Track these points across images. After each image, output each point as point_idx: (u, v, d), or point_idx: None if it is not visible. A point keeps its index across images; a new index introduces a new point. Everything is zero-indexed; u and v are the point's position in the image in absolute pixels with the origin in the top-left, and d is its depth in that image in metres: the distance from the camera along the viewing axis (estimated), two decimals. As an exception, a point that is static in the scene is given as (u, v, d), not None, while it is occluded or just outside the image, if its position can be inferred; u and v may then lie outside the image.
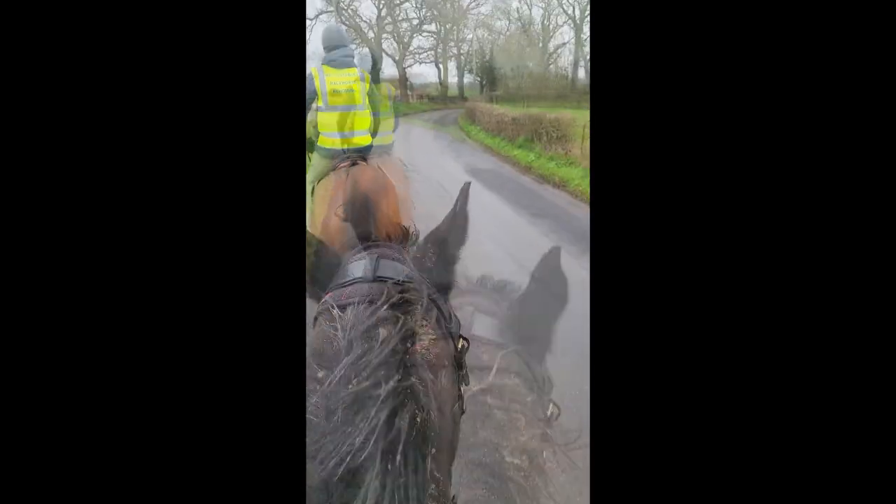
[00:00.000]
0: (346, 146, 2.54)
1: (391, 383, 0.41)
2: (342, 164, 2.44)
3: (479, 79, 47.10)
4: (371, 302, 0.49)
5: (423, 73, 40.88)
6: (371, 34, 30.85)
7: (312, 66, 2.53)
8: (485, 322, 0.56)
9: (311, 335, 0.52)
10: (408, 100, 35.33)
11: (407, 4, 33.51)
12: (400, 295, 0.50)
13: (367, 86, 2.66)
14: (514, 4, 37.05)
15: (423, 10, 33.88)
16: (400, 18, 33.30)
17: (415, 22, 34.38)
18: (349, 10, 30.45)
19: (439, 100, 39.60)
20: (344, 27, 3.12)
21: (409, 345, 0.46)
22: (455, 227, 0.59)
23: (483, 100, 21.01)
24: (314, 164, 2.64)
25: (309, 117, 2.76)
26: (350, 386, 0.41)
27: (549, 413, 0.60)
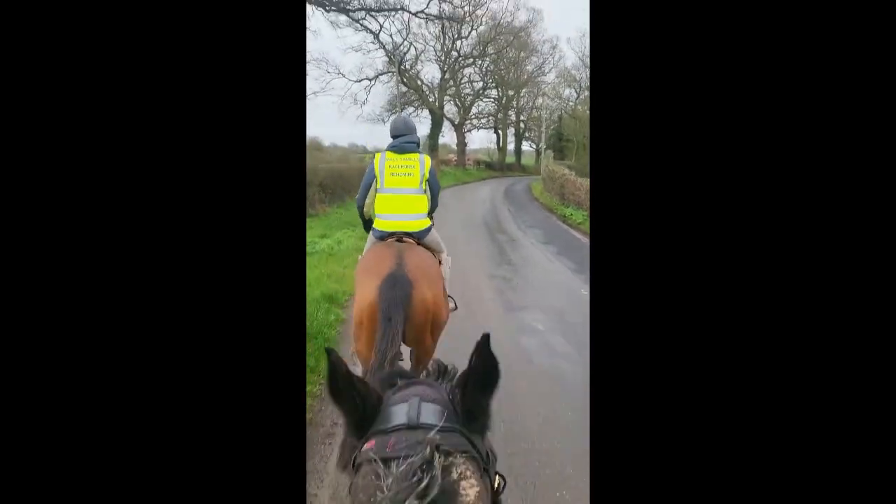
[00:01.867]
0: (398, 229, 2.49)
1: None
2: (390, 238, 2.45)
3: (539, 146, 45.37)
4: (416, 455, 0.49)
5: (481, 138, 39.20)
6: (432, 97, 29.11)
7: (377, 152, 2.60)
8: (431, 409, 0.58)
9: (355, 483, 0.53)
10: (464, 165, 33.19)
11: (469, 70, 32.08)
12: (443, 446, 0.51)
13: (427, 171, 2.57)
14: (578, 75, 34.98)
15: (487, 76, 32.25)
16: (462, 82, 31.67)
17: (477, 86, 32.70)
18: (411, 73, 29.06)
19: (496, 166, 37.53)
20: (409, 118, 2.80)
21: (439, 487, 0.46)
22: (474, 375, 0.60)
23: (552, 166, 17.87)
24: (368, 242, 2.63)
25: (367, 199, 2.69)
26: None
27: (496, 485, 0.63)
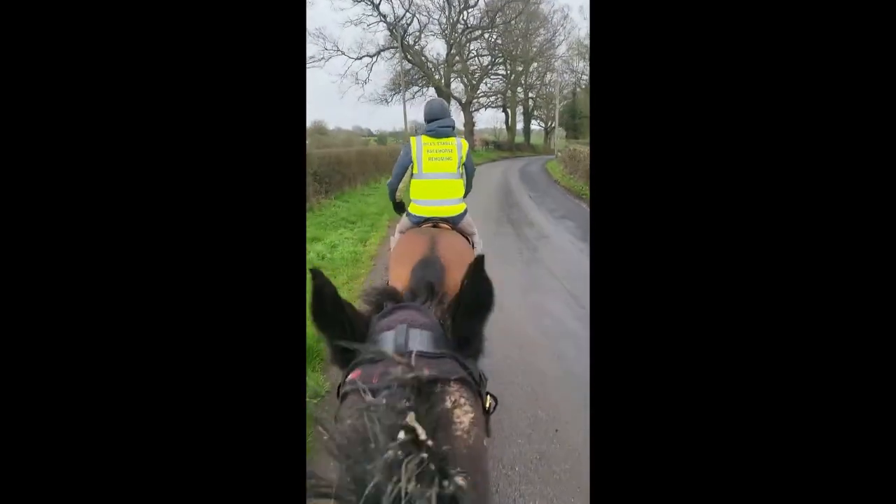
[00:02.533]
0: (435, 214, 2.47)
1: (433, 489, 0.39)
2: (426, 224, 2.47)
3: (548, 125, 43.43)
4: (404, 386, 0.46)
5: (490, 117, 37.51)
6: (437, 75, 27.41)
7: (412, 136, 2.53)
8: (420, 336, 0.56)
9: (341, 414, 0.51)
10: (473, 146, 31.61)
11: (476, 44, 30.20)
12: (430, 372, 0.48)
13: (465, 155, 2.53)
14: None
15: (495, 50, 30.39)
16: (469, 57, 29.83)
17: (485, 61, 30.86)
18: (415, 48, 27.33)
19: (505, 146, 35.86)
20: (445, 102, 2.68)
21: (446, 432, 0.45)
22: (471, 298, 0.59)
23: (572, 145, 16.32)
24: (402, 224, 2.58)
25: (401, 184, 2.63)
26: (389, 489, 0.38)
27: (487, 406, 0.63)
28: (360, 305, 0.66)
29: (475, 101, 32.15)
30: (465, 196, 2.64)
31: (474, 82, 31.05)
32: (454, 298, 0.61)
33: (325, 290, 0.56)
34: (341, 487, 0.40)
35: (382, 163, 13.58)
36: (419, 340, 0.56)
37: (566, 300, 4.32)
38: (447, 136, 2.49)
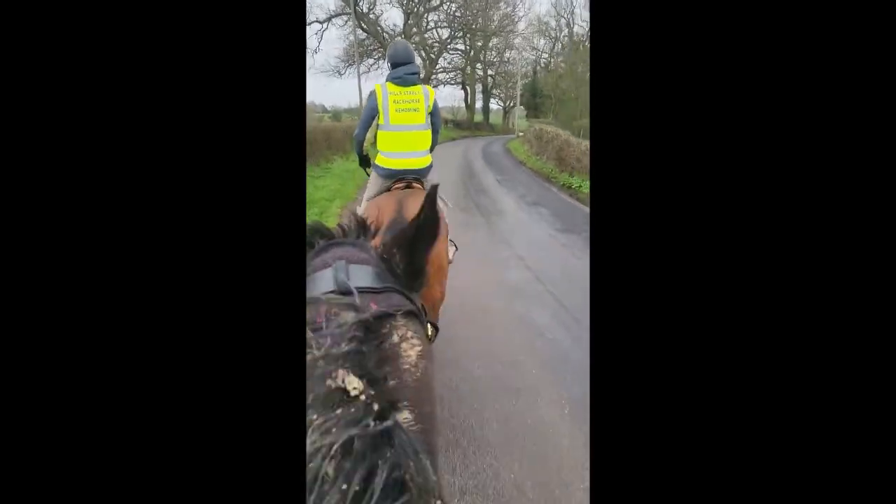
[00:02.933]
0: (404, 167, 2.39)
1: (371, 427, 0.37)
2: (396, 186, 2.38)
3: (507, 104, 42.71)
4: (345, 323, 0.45)
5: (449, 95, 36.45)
6: (394, 45, 25.94)
7: (377, 83, 2.42)
8: (360, 271, 0.54)
9: None
10: None
11: (435, 16, 28.74)
12: (378, 308, 0.49)
13: (432, 104, 2.44)
14: (554, 23, 32.10)
15: (454, 23, 29.06)
16: (427, 29, 28.38)
17: (444, 34, 29.51)
18: (370, 16, 25.60)
19: (464, 125, 34.85)
20: (409, 44, 2.51)
21: (393, 367, 0.45)
22: (421, 230, 0.58)
23: (537, 125, 15.68)
24: (370, 183, 2.53)
25: (368, 134, 2.53)
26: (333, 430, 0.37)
27: (429, 335, 0.61)
28: None
29: (434, 76, 30.83)
30: (431, 149, 2.54)
31: (433, 56, 29.69)
32: (408, 229, 0.59)
33: None
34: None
35: (336, 141, 12.38)
36: (361, 276, 0.53)
37: (555, 310, 3.59)
38: (413, 83, 2.36)
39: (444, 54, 30.66)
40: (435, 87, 31.48)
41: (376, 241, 0.63)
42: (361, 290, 0.50)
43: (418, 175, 2.44)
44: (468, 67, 33.17)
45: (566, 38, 27.66)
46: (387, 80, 2.40)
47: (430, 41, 29.17)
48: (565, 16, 30.03)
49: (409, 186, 2.38)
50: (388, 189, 2.40)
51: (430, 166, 2.51)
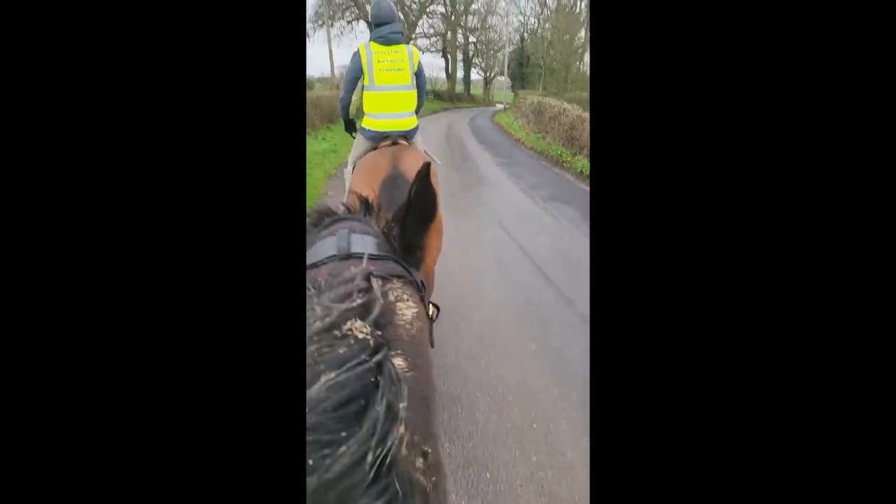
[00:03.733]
0: (390, 128, 2.37)
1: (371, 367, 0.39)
2: (383, 144, 2.36)
3: (489, 74, 40.46)
4: (348, 280, 0.47)
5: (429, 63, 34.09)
6: (369, 6, 23.46)
7: (360, 43, 2.38)
8: (362, 240, 0.56)
9: None
10: None
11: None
12: (377, 271, 0.50)
13: (416, 64, 2.39)
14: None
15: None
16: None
17: (424, -4, 27.05)
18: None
19: (445, 96, 32.69)
20: (392, 4, 2.36)
21: (388, 322, 0.46)
22: (414, 207, 0.58)
23: (534, 97, 13.98)
24: (356, 145, 2.50)
25: (354, 96, 2.46)
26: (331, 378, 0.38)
27: (430, 314, 0.64)
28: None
29: (412, 41, 28.47)
30: (417, 110, 2.52)
31: (412, 18, 27.30)
32: (403, 206, 0.60)
33: None
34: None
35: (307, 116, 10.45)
36: (362, 244, 0.56)
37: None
38: (397, 42, 2.33)
39: (424, 17, 28.23)
40: (413, 54, 29.07)
41: (380, 220, 0.64)
42: (360, 256, 0.53)
43: (405, 136, 2.40)
44: (449, 33, 30.82)
45: (554, 2, 25.58)
46: (370, 40, 2.33)
47: (407, 1, 26.71)
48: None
49: (394, 143, 2.33)
50: (375, 148, 2.34)
51: (417, 127, 2.49)
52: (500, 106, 26.42)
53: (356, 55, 2.32)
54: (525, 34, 27.01)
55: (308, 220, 0.66)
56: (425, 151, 2.51)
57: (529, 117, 12.72)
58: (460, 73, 36.41)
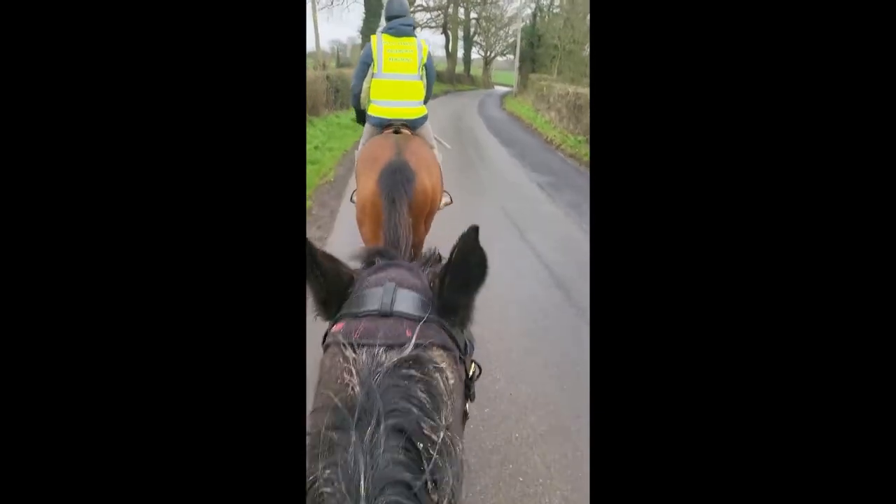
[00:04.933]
0: (395, 116, 2.42)
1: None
2: (386, 130, 2.42)
3: (488, 53, 37.47)
4: (388, 347, 0.48)
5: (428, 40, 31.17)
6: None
7: (373, 34, 2.48)
8: (406, 297, 0.55)
9: (322, 363, 0.52)
10: None
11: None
12: (418, 339, 0.50)
13: (425, 56, 2.48)
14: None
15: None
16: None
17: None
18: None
19: (446, 77, 29.86)
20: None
21: (426, 392, 0.46)
22: (457, 268, 0.56)
23: (556, 84, 11.51)
24: (364, 132, 2.57)
25: (364, 84, 2.56)
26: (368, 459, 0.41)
27: (472, 373, 0.62)
28: (353, 262, 0.65)
29: (412, 14, 25.48)
30: (425, 101, 2.55)
31: (411, -11, 24.27)
32: (444, 266, 0.58)
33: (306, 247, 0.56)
34: (314, 430, 0.43)
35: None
36: (405, 302, 0.54)
37: None
38: (407, 34, 2.39)
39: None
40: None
41: (433, 272, 0.62)
42: (401, 316, 0.52)
43: (411, 124, 2.44)
44: (451, 7, 27.82)
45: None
46: (382, 32, 2.41)
47: (407, -30, 23.67)
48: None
49: (397, 132, 2.38)
50: (379, 126, 2.40)
51: (425, 117, 2.50)
52: (505, 89, 23.92)
53: (367, 45, 2.41)
54: (537, 10, 24.09)
55: (360, 258, 0.67)
56: (435, 138, 2.60)
57: (562, 112, 10.19)
58: (460, 53, 33.48)
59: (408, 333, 0.49)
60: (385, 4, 2.48)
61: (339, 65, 22.93)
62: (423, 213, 2.07)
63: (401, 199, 1.83)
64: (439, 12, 28.14)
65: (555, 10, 23.01)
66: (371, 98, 2.44)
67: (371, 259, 0.65)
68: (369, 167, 1.96)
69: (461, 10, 30.21)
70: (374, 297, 0.54)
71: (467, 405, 0.60)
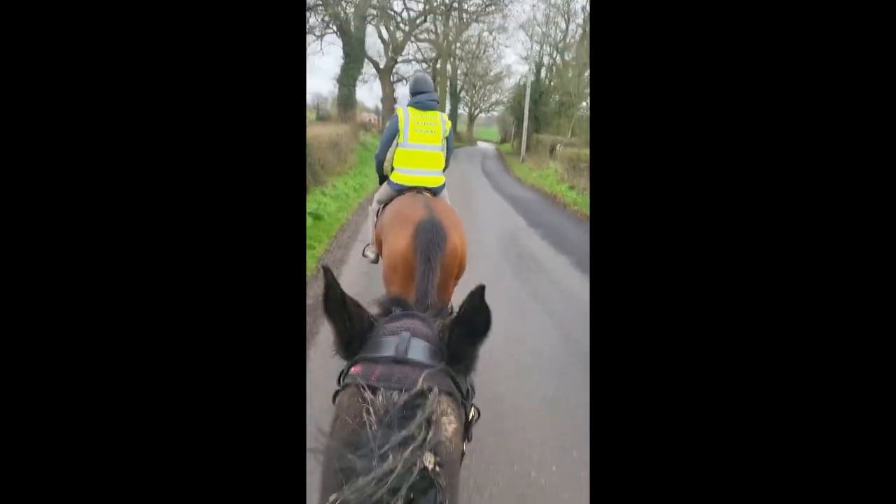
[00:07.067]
0: (417, 184, 2.54)
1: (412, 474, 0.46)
2: (409, 192, 2.48)
3: (473, 111, 35.62)
4: (401, 390, 0.53)
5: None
6: (344, 13, 17.61)
7: (398, 107, 2.61)
8: (418, 346, 0.60)
9: (340, 401, 0.56)
10: (368, 126, 22.58)
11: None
12: (426, 384, 0.53)
13: (448, 129, 2.66)
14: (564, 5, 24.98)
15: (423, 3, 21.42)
16: (391, 8, 20.38)
17: (414, 11, 21.64)
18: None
19: (432, 134, 27.28)
20: (429, 77, 2.77)
21: (430, 433, 0.49)
22: (465, 322, 0.61)
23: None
24: (382, 189, 2.67)
25: (388, 154, 2.68)
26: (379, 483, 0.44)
27: (470, 417, 0.66)
28: (373, 307, 0.71)
29: (395, 68, 22.99)
30: (444, 169, 2.68)
31: (400, 36, 21.85)
32: (452, 320, 0.63)
33: (332, 289, 0.60)
34: (328, 469, 0.48)
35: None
36: (418, 351, 0.59)
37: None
38: (432, 108, 2.54)
39: (414, 33, 22.84)
40: (397, 81, 23.70)
41: (443, 323, 0.66)
42: (414, 364, 0.57)
43: (431, 192, 2.53)
44: (440, 61, 25.65)
45: (578, 28, 20.67)
46: (408, 105, 2.54)
47: (396, 19, 21.29)
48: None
49: (419, 192, 2.44)
50: (401, 193, 2.42)
51: (443, 185, 2.64)
52: (488, 146, 21.54)
53: (395, 117, 2.52)
54: (541, 64, 21.87)
55: (377, 307, 0.72)
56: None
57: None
58: (447, 108, 31.33)
59: (419, 380, 0.53)
60: (410, 81, 2.66)
61: (319, 117, 19.91)
62: (452, 273, 2.05)
63: (435, 257, 1.82)
64: (427, 65, 25.84)
65: (561, 65, 20.66)
66: (395, 166, 2.54)
67: (389, 308, 0.72)
68: (400, 225, 1.98)
69: (448, 66, 28.25)
70: (389, 344, 0.59)
71: (464, 445, 0.64)
